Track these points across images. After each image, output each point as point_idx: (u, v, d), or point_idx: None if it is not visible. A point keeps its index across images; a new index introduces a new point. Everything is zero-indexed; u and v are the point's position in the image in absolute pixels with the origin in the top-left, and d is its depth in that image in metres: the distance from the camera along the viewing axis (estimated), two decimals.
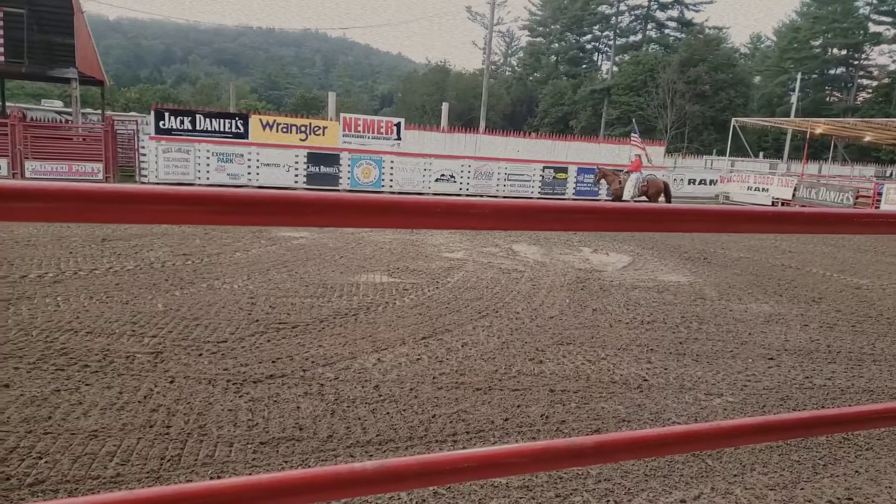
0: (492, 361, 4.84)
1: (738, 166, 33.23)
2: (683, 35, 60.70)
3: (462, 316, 6.09)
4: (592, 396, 4.27)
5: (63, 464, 3.00)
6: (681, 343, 5.63)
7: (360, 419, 3.70)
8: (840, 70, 59.99)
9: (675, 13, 64.06)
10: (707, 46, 51.77)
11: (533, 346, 5.28)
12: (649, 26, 65.25)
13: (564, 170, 22.82)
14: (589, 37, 68.51)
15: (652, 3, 63.41)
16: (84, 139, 20.73)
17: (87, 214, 0.85)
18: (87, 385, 3.93)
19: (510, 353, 5.05)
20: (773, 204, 22.94)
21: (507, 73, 74.70)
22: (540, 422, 3.82)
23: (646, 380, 4.66)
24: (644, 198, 16.94)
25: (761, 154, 43.04)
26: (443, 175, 21.49)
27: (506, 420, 3.81)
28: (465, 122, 47.33)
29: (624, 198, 16.83)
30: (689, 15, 63.41)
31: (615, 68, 63.67)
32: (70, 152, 19.42)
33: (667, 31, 65.09)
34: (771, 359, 5.35)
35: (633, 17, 65.73)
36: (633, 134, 20.11)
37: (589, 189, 23.10)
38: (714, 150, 43.66)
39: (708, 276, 9.01)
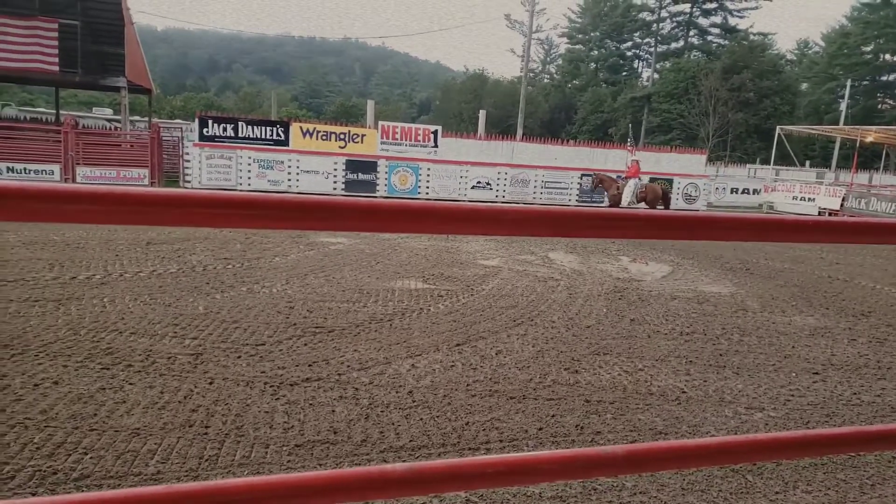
0: (526, 370, 4.81)
1: (783, 175, 32.40)
2: (727, 42, 59.56)
3: (496, 323, 6.07)
4: (629, 408, 4.21)
5: (107, 460, 3.08)
6: (721, 355, 5.51)
7: (393, 424, 3.71)
8: (893, 76, 57.94)
9: (718, 19, 62.94)
10: (751, 53, 50.68)
11: (569, 355, 5.23)
12: (691, 33, 64.24)
13: None
14: (629, 44, 67.81)
15: (694, 9, 62.44)
16: (131, 146, 21.39)
17: (136, 217, 0.88)
18: (130, 384, 4.04)
19: (545, 362, 5.01)
20: (819, 214, 22.30)
21: (545, 80, 74.38)
22: (575, 432, 3.78)
23: (684, 392, 4.57)
24: (643, 204, 16.74)
25: (808, 163, 41.87)
26: (479, 182, 21.51)
27: (540, 429, 3.78)
28: (502, 129, 47.27)
29: (622, 204, 16.65)
30: (732, 21, 62.20)
31: (656, 75, 62.85)
32: (118, 158, 20.05)
33: (709, 37, 63.95)
34: (816, 373, 5.19)
35: (674, 23, 64.80)
36: (628, 139, 19.89)
37: None
38: (758, 159, 42.66)
39: (750, 287, 8.80)
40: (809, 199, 23.63)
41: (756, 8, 61.31)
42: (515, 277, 8.47)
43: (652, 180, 23.06)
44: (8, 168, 18.38)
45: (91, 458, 3.10)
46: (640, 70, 69.38)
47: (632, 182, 16.66)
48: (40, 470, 2.95)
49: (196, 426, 3.51)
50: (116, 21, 21.59)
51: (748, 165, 37.95)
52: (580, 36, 69.68)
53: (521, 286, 7.91)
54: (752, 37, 58.59)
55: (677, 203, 23.32)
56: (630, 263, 10.39)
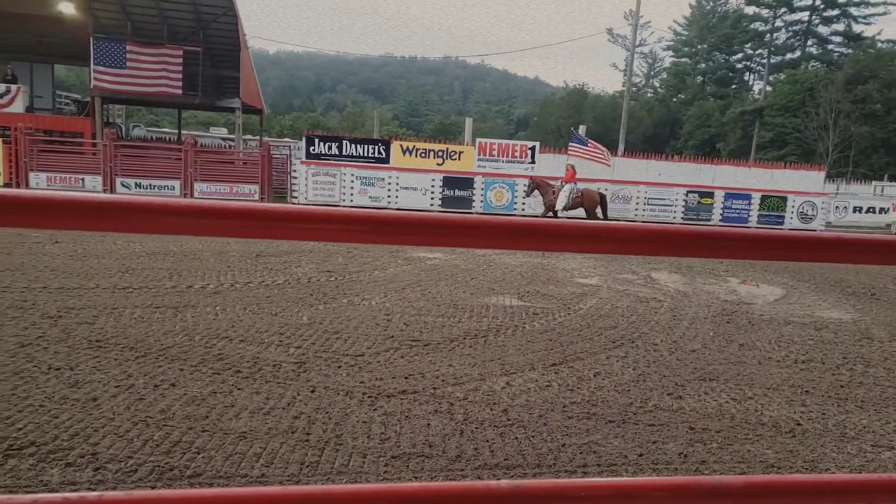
0: (626, 393, 4.64)
1: None
2: (850, 50, 55.57)
3: (595, 344, 5.92)
4: (737, 438, 3.96)
5: (217, 460, 3.25)
6: (842, 387, 5.09)
7: (488, 441, 3.69)
8: None
9: (840, 27, 58.88)
10: (879, 61, 46.92)
11: (672, 380, 5.01)
12: (809, 42, 60.48)
13: (710, 195, 21.66)
14: (739, 55, 64.76)
15: (814, 17, 58.80)
16: (244, 163, 22.75)
17: (254, 231, 0.93)
18: (238, 389, 4.26)
19: (646, 386, 4.82)
20: None
21: (648, 94, 72.41)
22: (678, 460, 3.60)
23: (799, 424, 4.25)
24: (581, 210, 15.86)
25: None
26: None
27: (640, 455, 3.63)
28: (602, 144, 46.42)
29: (557, 209, 15.82)
30: (857, 28, 58.00)
31: (769, 88, 59.62)
32: (231, 175, 21.37)
33: (830, 46, 59.90)
34: None
35: (790, 33, 61.23)
36: (571, 143, 18.60)
37: (738, 216, 21.73)
38: (885, 176, 39.32)
39: (876, 313, 8.10)
40: None
41: (885, 14, 56.93)
42: (615, 297, 8.24)
43: (765, 198, 21.86)
44: (136, 184, 20.03)
45: (203, 457, 3.28)
46: (751, 83, 66.10)
47: (567, 187, 15.98)
48: (159, 466, 3.16)
49: (298, 432, 3.64)
50: (234, 47, 23.17)
51: (874, 182, 35.10)
52: (686, 49, 67.42)
53: (622, 306, 7.68)
54: (879, 44, 54.37)
55: (791, 222, 21.94)
56: (739, 285, 9.84)
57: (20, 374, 4.26)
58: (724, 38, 62.29)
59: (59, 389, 4.04)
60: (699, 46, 65.56)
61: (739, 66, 65.79)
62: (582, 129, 25.47)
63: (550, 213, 16.19)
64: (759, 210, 21.89)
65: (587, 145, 18.53)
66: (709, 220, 21.68)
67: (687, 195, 21.54)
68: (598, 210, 15.95)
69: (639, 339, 6.16)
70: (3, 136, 20.37)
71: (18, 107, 21.67)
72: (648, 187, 21.35)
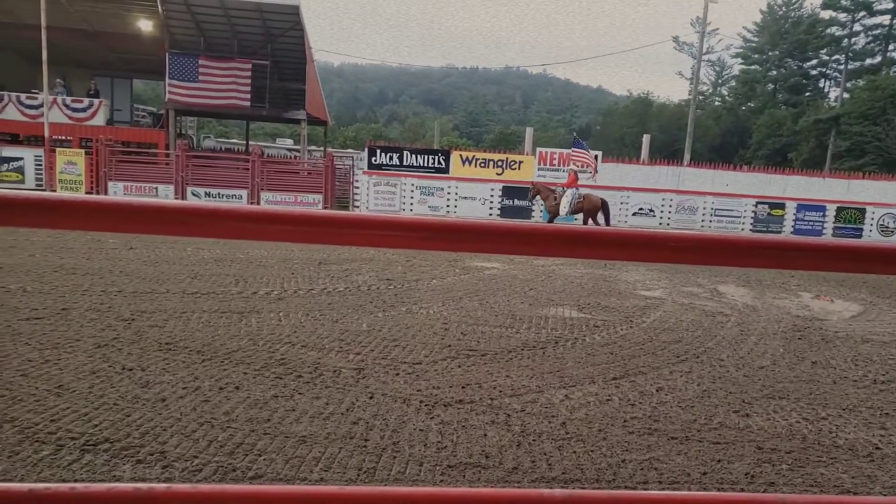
0: (690, 410, 4.50)
1: None
2: None
3: (658, 359, 5.76)
4: (809, 460, 3.77)
5: (277, 463, 3.33)
6: None
7: (545, 454, 3.64)
8: None
9: None
10: None
11: (738, 397, 4.83)
12: (891, 46, 57.45)
13: (781, 206, 20.84)
14: (814, 62, 62.10)
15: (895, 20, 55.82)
16: (308, 173, 23.35)
17: (318, 236, 0.96)
18: (299, 394, 4.35)
19: (711, 403, 4.66)
20: None
21: (716, 102, 70.31)
22: (744, 480, 3.46)
23: (878, 448, 4.01)
24: (580, 215, 15.43)
25: None
26: (641, 209, 20.76)
27: (703, 474, 3.51)
28: (667, 154, 45.34)
29: (560, 215, 15.29)
30: None
31: (846, 95, 56.90)
32: (296, 184, 21.97)
33: None
34: None
35: (870, 37, 58.29)
36: (574, 147, 17.84)
37: (811, 228, 20.82)
38: None
39: None
40: None
41: None
42: (680, 310, 8.01)
43: (841, 210, 20.87)
44: (206, 193, 20.84)
45: (264, 459, 3.36)
46: (826, 90, 63.24)
47: (569, 192, 15.58)
48: (222, 466, 3.26)
49: (356, 438, 3.68)
50: (300, 60, 23.88)
51: None
52: (756, 56, 65.14)
53: (687, 320, 7.46)
54: None
55: (871, 235, 20.84)
56: (812, 300, 9.41)
57: (97, 374, 4.49)
58: (798, 43, 59.89)
59: (131, 389, 4.23)
60: (770, 53, 63.25)
61: (814, 72, 63.06)
62: (646, 139, 25.02)
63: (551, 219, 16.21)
64: (834, 222, 20.92)
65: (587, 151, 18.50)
66: (779, 232, 20.85)
67: (756, 206, 20.81)
68: (600, 216, 15.75)
69: (704, 355, 5.97)
70: (86, 147, 21.60)
71: (100, 120, 22.98)
72: (715, 198, 20.73)
